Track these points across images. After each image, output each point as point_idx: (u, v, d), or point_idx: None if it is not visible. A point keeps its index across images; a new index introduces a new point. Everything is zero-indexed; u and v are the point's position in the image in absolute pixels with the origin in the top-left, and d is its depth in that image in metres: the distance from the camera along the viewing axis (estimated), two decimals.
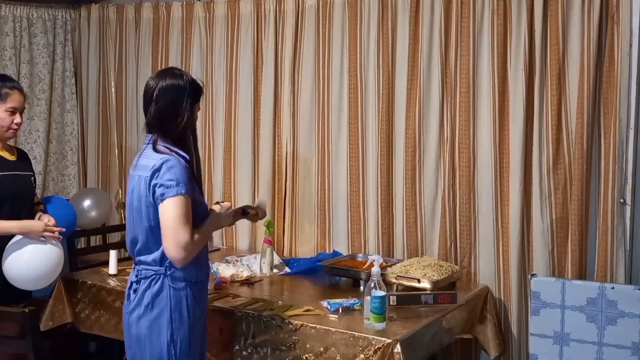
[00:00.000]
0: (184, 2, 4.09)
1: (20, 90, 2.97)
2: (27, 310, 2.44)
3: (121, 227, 4.12)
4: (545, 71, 3.14)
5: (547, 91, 3.15)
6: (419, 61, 3.40)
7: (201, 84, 2.44)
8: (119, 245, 3.94)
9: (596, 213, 3.09)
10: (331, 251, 3.64)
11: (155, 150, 2.31)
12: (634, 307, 2.67)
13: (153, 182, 2.25)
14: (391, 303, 2.75)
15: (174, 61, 4.13)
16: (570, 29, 3.08)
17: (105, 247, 3.76)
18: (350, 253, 3.56)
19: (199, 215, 2.34)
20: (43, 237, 2.85)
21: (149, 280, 2.33)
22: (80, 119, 4.54)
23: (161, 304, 2.32)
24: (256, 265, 3.39)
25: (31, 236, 2.83)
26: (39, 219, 2.92)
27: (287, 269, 3.44)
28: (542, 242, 3.17)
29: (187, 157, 2.35)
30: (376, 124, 3.52)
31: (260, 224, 3.76)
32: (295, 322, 2.62)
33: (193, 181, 2.33)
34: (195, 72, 4.05)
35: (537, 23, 3.13)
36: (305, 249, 3.76)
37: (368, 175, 3.56)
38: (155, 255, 2.32)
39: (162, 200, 2.24)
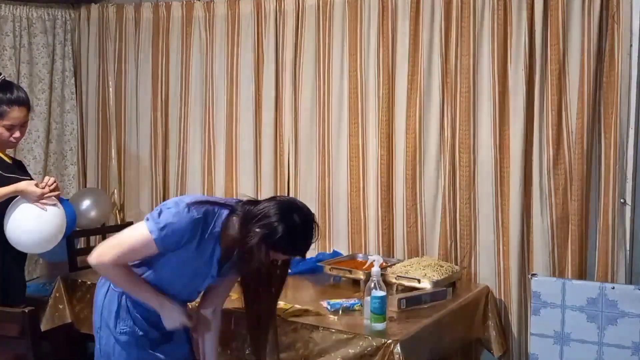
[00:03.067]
0: (184, 2, 4.09)
1: (22, 104, 2.87)
2: (27, 310, 2.44)
3: (121, 227, 4.11)
4: (546, 71, 3.14)
5: (547, 91, 3.14)
6: (419, 61, 3.40)
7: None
8: None
9: (596, 213, 3.09)
10: (331, 251, 3.63)
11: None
12: (634, 307, 2.67)
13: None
14: (402, 307, 2.74)
15: (174, 61, 4.13)
16: (570, 29, 3.08)
17: None
18: (350, 253, 3.56)
19: (161, 265, 2.23)
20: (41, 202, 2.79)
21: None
22: (80, 119, 4.53)
23: (100, 295, 2.35)
24: None
25: (28, 199, 2.77)
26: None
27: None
28: (542, 242, 3.17)
29: (219, 231, 2.19)
30: (376, 123, 3.51)
31: None
32: (295, 322, 2.61)
33: (192, 246, 2.17)
34: (195, 72, 4.06)
35: (537, 23, 3.13)
36: None
37: (368, 175, 3.56)
38: None
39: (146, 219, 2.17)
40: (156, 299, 2.25)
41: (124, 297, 2.31)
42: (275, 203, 2.19)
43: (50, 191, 2.80)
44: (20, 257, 2.96)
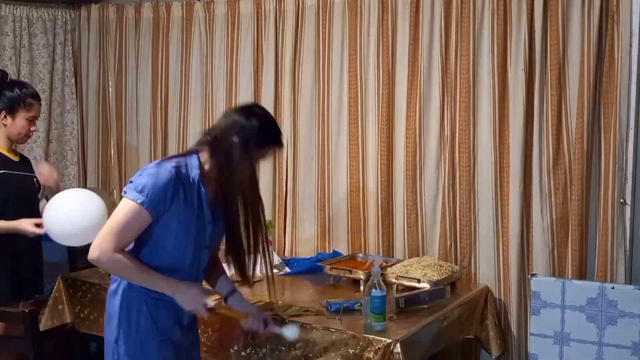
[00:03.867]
0: (184, 2, 4.09)
1: (40, 100, 3.10)
2: (27, 311, 2.45)
3: None
4: (545, 71, 3.14)
5: (547, 91, 3.14)
6: (419, 61, 3.40)
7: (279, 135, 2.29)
8: None
9: (596, 213, 3.09)
10: (331, 251, 3.63)
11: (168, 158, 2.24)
12: (634, 307, 2.67)
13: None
14: (400, 306, 2.75)
15: (174, 61, 4.13)
16: (570, 29, 3.08)
17: None
18: (350, 253, 3.56)
19: (162, 238, 2.21)
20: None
21: (112, 280, 2.33)
22: (80, 119, 4.54)
23: (114, 305, 2.27)
24: (257, 265, 3.38)
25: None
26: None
27: (287, 269, 3.44)
28: (542, 242, 3.17)
29: (198, 173, 2.22)
30: (376, 123, 3.52)
31: None
32: (296, 322, 2.61)
33: (180, 199, 2.17)
34: (195, 72, 4.06)
35: (537, 23, 3.13)
36: (306, 249, 3.76)
37: (368, 175, 3.56)
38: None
39: (121, 197, 2.16)
40: (167, 282, 2.20)
41: (142, 300, 2.25)
42: (232, 112, 2.26)
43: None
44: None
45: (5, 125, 2.98)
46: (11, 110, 2.97)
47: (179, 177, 2.18)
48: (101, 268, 2.37)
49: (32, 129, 3.05)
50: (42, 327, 3.17)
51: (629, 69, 2.98)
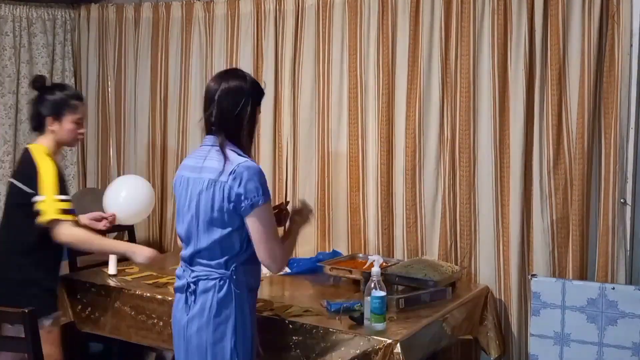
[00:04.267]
0: (184, 2, 4.09)
1: (83, 100, 3.02)
2: (27, 310, 2.44)
3: (121, 228, 4.12)
4: (546, 71, 3.14)
5: (547, 91, 3.14)
6: (419, 61, 3.39)
7: (263, 85, 2.39)
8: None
9: (596, 213, 3.09)
10: (331, 251, 3.63)
11: (225, 153, 2.25)
12: (634, 308, 2.67)
13: (236, 189, 2.19)
14: (400, 306, 2.74)
15: (174, 61, 4.13)
16: (570, 29, 3.08)
17: None
18: (350, 253, 3.56)
19: None
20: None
21: (213, 283, 2.26)
22: None
23: (227, 310, 2.26)
24: None
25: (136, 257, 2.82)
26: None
27: (287, 269, 3.43)
28: (542, 242, 3.17)
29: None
30: (376, 123, 3.51)
31: None
32: (296, 322, 2.61)
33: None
34: (195, 72, 4.06)
35: (537, 23, 3.13)
36: (306, 249, 3.75)
37: (368, 175, 3.56)
38: (220, 260, 2.27)
39: (251, 210, 2.20)
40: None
41: (247, 297, 2.31)
42: (215, 82, 2.32)
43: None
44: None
45: (53, 132, 2.85)
46: (57, 115, 2.84)
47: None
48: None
49: (80, 131, 2.92)
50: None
51: (629, 69, 2.97)
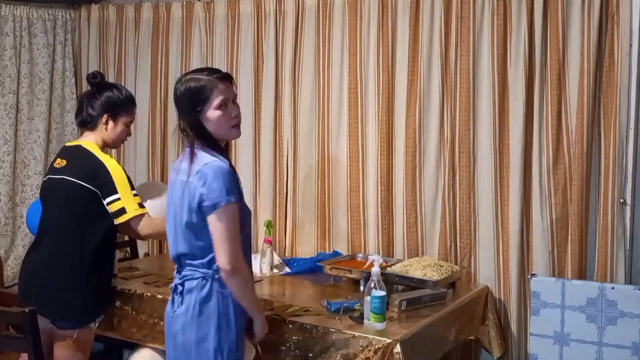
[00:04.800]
0: (184, 2, 4.09)
1: (136, 103, 2.97)
2: (27, 310, 2.44)
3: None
4: (545, 71, 3.14)
5: (547, 91, 3.15)
6: (419, 61, 3.40)
7: (213, 79, 2.31)
8: (119, 245, 3.93)
9: (596, 213, 3.09)
10: (331, 251, 3.64)
11: (194, 154, 2.27)
12: (634, 307, 2.67)
13: (200, 190, 2.21)
14: (402, 308, 2.75)
15: (174, 61, 4.13)
16: (570, 29, 3.08)
17: None
18: (350, 253, 3.56)
19: (244, 217, 2.33)
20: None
21: (196, 282, 2.28)
22: None
23: (209, 310, 2.27)
24: (256, 266, 3.39)
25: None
26: None
27: (287, 269, 3.44)
28: (542, 242, 3.17)
29: (228, 160, 2.31)
30: (376, 123, 3.52)
31: (260, 224, 3.78)
32: (295, 322, 2.62)
33: (238, 184, 2.31)
34: None
35: (537, 23, 3.13)
36: (306, 249, 3.76)
37: (368, 175, 3.56)
38: (202, 260, 2.28)
39: (213, 210, 2.20)
40: (259, 303, 2.45)
41: (231, 298, 2.30)
42: (182, 83, 2.31)
43: None
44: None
45: (106, 130, 2.82)
46: (114, 115, 2.82)
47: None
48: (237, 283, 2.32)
49: (128, 133, 2.91)
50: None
51: (629, 69, 2.98)
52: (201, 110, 2.28)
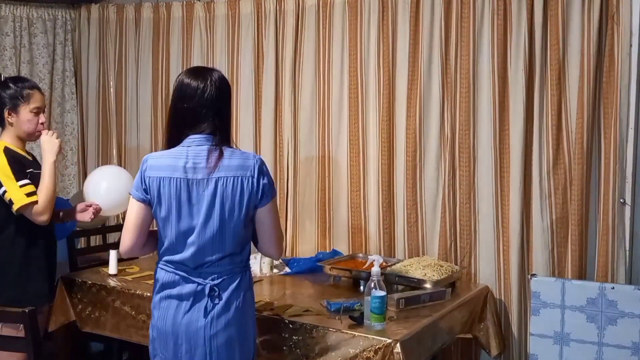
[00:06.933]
0: (184, 2, 4.09)
1: (40, 89, 2.95)
2: (27, 310, 2.44)
3: (121, 228, 4.11)
4: (545, 71, 3.14)
5: (547, 91, 3.15)
6: (419, 61, 3.40)
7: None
8: (119, 246, 3.94)
9: (596, 213, 3.09)
10: (331, 251, 3.63)
11: (231, 150, 2.26)
12: (634, 307, 2.67)
13: (262, 181, 2.22)
14: (401, 307, 2.75)
15: (175, 61, 4.13)
16: (570, 29, 3.08)
17: (105, 247, 3.77)
18: (351, 252, 3.56)
19: None
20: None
21: (239, 277, 2.26)
22: (80, 119, 4.54)
23: (247, 302, 2.29)
24: (256, 265, 3.39)
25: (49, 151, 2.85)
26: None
27: (287, 269, 3.44)
28: (542, 242, 3.17)
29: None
30: (377, 123, 3.52)
31: None
32: (295, 322, 2.62)
33: None
34: None
35: (537, 23, 3.13)
36: (306, 248, 3.76)
37: (369, 174, 3.56)
38: (242, 255, 2.29)
39: (270, 200, 2.25)
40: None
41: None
42: (198, 80, 2.32)
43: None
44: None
45: (12, 125, 2.86)
46: (13, 107, 2.84)
47: None
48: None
49: (40, 121, 2.89)
50: (51, 328, 3.20)
51: (629, 69, 2.98)
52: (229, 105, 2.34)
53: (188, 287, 2.24)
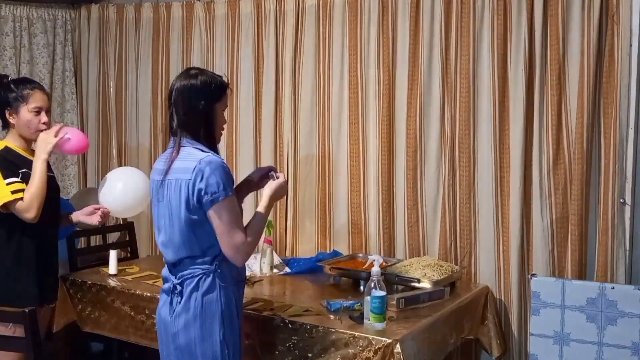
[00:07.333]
0: (184, 2, 4.09)
1: (42, 89, 2.93)
2: (27, 310, 2.44)
3: (121, 227, 4.13)
4: (545, 71, 3.14)
5: (547, 91, 3.15)
6: (419, 61, 3.40)
7: (224, 81, 2.39)
8: (119, 245, 3.94)
9: (596, 213, 3.09)
10: (331, 251, 3.63)
11: (187, 152, 2.28)
12: (634, 307, 2.67)
13: (198, 185, 2.21)
14: (400, 307, 2.75)
15: (175, 61, 4.13)
16: (570, 29, 3.08)
17: (105, 247, 3.77)
18: (351, 253, 3.56)
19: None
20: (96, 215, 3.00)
21: (197, 279, 2.28)
22: (80, 119, 4.54)
23: (212, 304, 2.28)
24: (256, 265, 3.39)
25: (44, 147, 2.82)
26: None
27: (287, 269, 3.44)
28: (542, 242, 3.17)
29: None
30: (377, 123, 3.52)
31: None
32: (295, 322, 2.62)
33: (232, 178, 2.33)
34: None
35: (537, 23, 3.13)
36: (306, 248, 3.76)
37: (369, 174, 3.56)
38: (204, 257, 2.29)
39: (211, 205, 2.22)
40: (267, 214, 2.42)
41: (233, 287, 2.36)
42: (173, 83, 2.35)
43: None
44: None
45: (14, 126, 2.85)
46: (14, 107, 2.84)
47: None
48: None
49: (42, 121, 2.86)
50: (55, 328, 3.19)
51: (629, 69, 2.98)
52: (212, 105, 2.34)
53: (167, 284, 2.38)
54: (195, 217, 2.25)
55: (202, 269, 2.29)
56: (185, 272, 2.31)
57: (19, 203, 2.73)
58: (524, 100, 3.16)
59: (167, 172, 2.30)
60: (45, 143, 2.81)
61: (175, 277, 2.32)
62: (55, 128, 2.85)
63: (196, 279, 2.28)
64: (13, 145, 2.87)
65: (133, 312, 3.05)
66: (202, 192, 2.21)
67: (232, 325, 2.31)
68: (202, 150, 2.29)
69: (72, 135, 2.87)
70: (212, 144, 2.35)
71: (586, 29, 3.04)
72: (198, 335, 2.27)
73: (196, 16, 4.05)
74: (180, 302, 2.29)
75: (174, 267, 2.34)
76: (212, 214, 2.23)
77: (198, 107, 2.31)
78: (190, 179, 2.23)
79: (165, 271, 2.41)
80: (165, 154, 2.39)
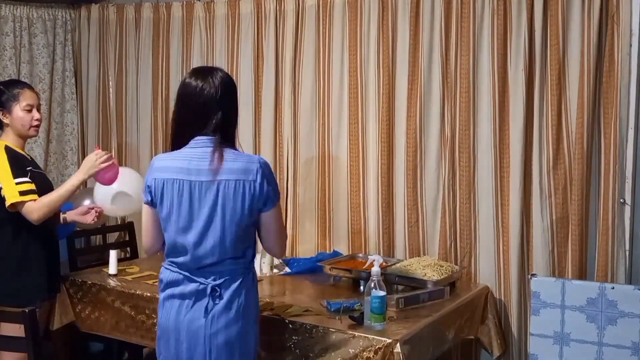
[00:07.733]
0: (184, 2, 4.09)
1: (31, 88, 3.02)
2: (27, 310, 2.45)
3: (121, 227, 4.12)
4: (545, 71, 3.14)
5: (547, 91, 3.15)
6: (420, 61, 3.40)
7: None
8: (119, 245, 3.94)
9: (596, 213, 3.09)
10: (331, 251, 3.64)
11: (232, 152, 2.27)
12: (634, 307, 2.67)
13: (265, 187, 2.22)
14: (400, 306, 2.75)
15: (175, 61, 4.13)
16: (570, 29, 3.08)
17: (105, 247, 3.77)
18: (350, 253, 3.56)
19: None
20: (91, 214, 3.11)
21: (240, 279, 2.27)
22: (80, 119, 4.54)
23: (249, 303, 2.29)
24: (256, 266, 3.38)
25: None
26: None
27: (287, 269, 3.44)
28: (542, 242, 3.17)
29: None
30: (377, 123, 3.52)
31: None
32: (295, 322, 2.62)
33: None
34: None
35: (537, 23, 3.13)
36: (306, 249, 3.76)
37: (369, 175, 3.56)
38: (245, 258, 2.30)
39: (274, 205, 2.27)
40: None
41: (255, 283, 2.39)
42: (205, 82, 2.29)
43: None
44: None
45: (8, 125, 2.94)
46: (7, 107, 2.92)
47: None
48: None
49: (34, 117, 2.94)
50: (52, 327, 3.20)
51: (629, 69, 2.98)
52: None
53: (190, 287, 2.27)
54: (253, 218, 2.26)
55: (243, 268, 2.30)
56: (223, 271, 2.25)
57: (29, 203, 2.77)
58: (524, 100, 3.16)
59: (216, 172, 2.21)
60: (91, 164, 2.89)
61: (210, 278, 2.25)
62: (106, 155, 2.93)
63: (240, 277, 2.28)
64: (12, 145, 2.91)
65: (133, 312, 3.05)
66: (271, 193, 2.24)
67: (257, 322, 2.36)
68: (243, 152, 2.33)
69: (112, 170, 2.97)
70: (234, 146, 2.33)
71: (586, 29, 3.04)
72: (237, 334, 2.26)
73: (196, 16, 4.05)
74: (218, 303, 2.24)
75: (210, 267, 2.25)
76: (272, 213, 2.28)
77: (237, 106, 2.35)
78: (254, 180, 2.21)
79: (178, 275, 2.29)
80: (185, 153, 2.26)
